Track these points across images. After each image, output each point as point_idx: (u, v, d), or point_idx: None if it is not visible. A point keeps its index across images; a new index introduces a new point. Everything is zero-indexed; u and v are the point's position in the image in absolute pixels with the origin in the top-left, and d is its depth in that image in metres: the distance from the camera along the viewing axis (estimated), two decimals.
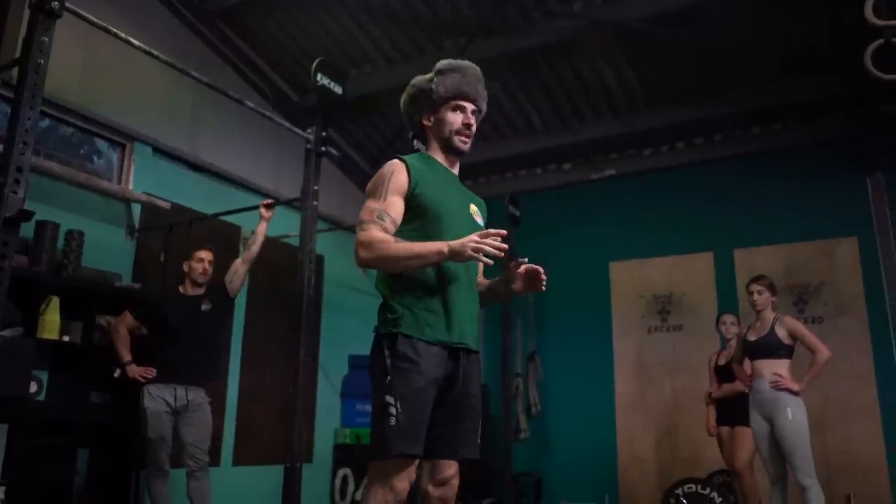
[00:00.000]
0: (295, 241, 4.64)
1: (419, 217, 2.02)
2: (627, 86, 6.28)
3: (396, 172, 2.02)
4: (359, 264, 1.95)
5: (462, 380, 1.99)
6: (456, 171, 2.22)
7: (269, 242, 4.96)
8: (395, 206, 1.99)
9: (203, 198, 5.44)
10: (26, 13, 2.88)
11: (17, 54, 2.85)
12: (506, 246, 1.82)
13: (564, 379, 6.83)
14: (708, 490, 3.99)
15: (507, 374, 6.37)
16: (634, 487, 6.24)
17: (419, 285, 1.96)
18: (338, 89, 4.30)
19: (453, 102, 2.12)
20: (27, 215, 2.58)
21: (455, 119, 2.12)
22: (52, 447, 3.96)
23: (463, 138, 2.13)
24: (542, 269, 2.04)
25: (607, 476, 6.36)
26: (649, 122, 6.59)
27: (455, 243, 1.84)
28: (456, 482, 2.05)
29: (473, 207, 2.19)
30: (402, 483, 1.84)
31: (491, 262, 1.84)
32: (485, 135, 7.18)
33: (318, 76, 4.19)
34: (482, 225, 2.20)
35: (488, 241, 1.82)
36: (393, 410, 1.83)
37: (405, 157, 2.08)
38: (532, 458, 6.64)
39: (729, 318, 4.98)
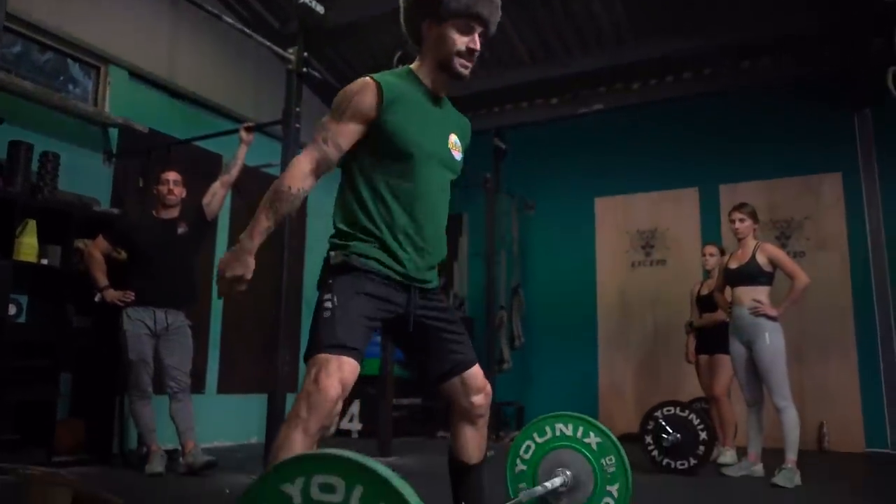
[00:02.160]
0: (276, 171, 4.56)
1: (387, 150, 1.84)
2: (616, 17, 6.13)
3: (363, 93, 1.80)
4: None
5: (421, 302, 1.90)
6: (443, 92, 1.97)
7: (250, 172, 4.88)
8: (349, 133, 1.81)
9: (182, 124, 5.30)
10: None
11: None
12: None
13: (548, 312, 6.89)
14: (687, 413, 4.07)
15: (491, 307, 6.40)
16: (614, 416, 6.36)
17: (380, 219, 1.84)
18: (319, 8, 4.18)
19: (464, 20, 1.84)
20: None
21: (460, 40, 1.85)
22: (34, 370, 3.94)
23: (465, 63, 1.87)
24: None
25: (588, 405, 6.48)
26: (638, 55, 6.45)
27: (238, 257, 1.75)
28: (489, 388, 2.03)
29: (453, 139, 1.98)
30: (332, 381, 1.64)
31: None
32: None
33: None
34: (459, 160, 2.01)
35: (224, 287, 1.76)
36: (329, 305, 1.74)
37: (380, 76, 1.84)
38: (515, 389, 6.75)
39: (710, 248, 5.01)
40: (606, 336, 6.66)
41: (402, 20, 1.99)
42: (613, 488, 2.27)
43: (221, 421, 5.35)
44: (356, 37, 6.42)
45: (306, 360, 1.73)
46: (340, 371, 1.67)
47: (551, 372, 6.77)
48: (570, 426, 2.36)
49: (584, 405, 6.45)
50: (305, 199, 5.72)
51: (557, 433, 2.38)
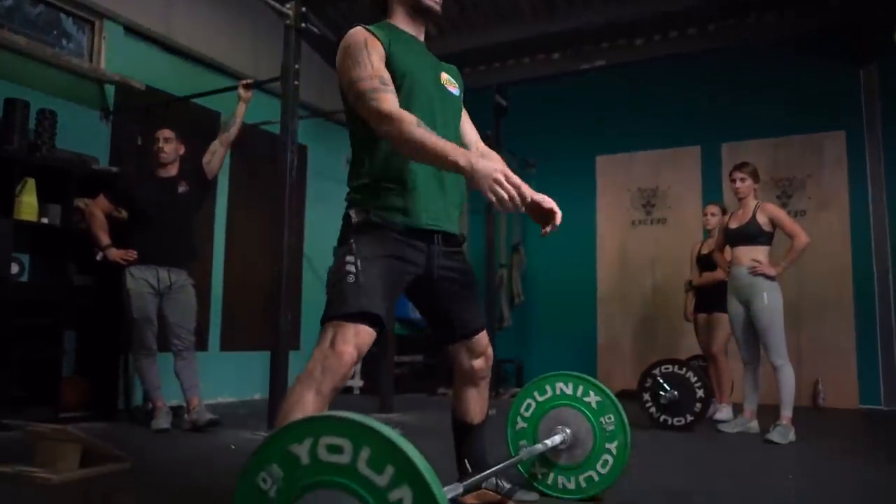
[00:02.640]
0: (275, 129, 4.52)
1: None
2: None
3: (368, 38, 1.78)
4: (379, 135, 1.73)
5: (442, 260, 1.90)
6: (422, 37, 2.00)
7: (249, 130, 4.84)
8: (385, 72, 1.77)
9: (179, 81, 5.24)
10: None
11: None
12: (518, 204, 1.56)
13: (548, 270, 6.92)
14: (684, 370, 4.12)
15: (491, 265, 6.43)
16: (612, 373, 6.44)
17: (395, 167, 1.81)
18: None
19: None
20: None
21: None
22: (38, 328, 3.97)
23: None
24: (558, 214, 1.86)
25: (587, 362, 6.56)
26: (642, 10, 6.33)
27: (480, 167, 1.54)
28: (491, 351, 2.08)
29: (445, 76, 2.01)
30: (348, 348, 1.65)
31: (498, 205, 1.56)
32: (470, 22, 6.90)
33: None
34: (457, 95, 2.03)
35: (511, 188, 1.54)
36: (352, 269, 1.71)
37: (366, 26, 1.84)
38: (514, 346, 6.82)
39: (711, 208, 5.00)
40: (606, 294, 6.70)
41: None
42: (612, 445, 2.31)
43: (224, 378, 5.42)
44: None
45: (324, 321, 1.74)
46: (357, 338, 1.69)
47: (551, 329, 6.84)
48: (570, 385, 2.39)
49: (582, 362, 6.55)
50: (305, 150, 5.67)
51: (558, 392, 2.41)
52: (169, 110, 4.77)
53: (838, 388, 5.67)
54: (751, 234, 4.04)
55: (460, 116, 2.08)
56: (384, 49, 1.80)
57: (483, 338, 2.05)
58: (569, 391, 2.40)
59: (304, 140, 5.73)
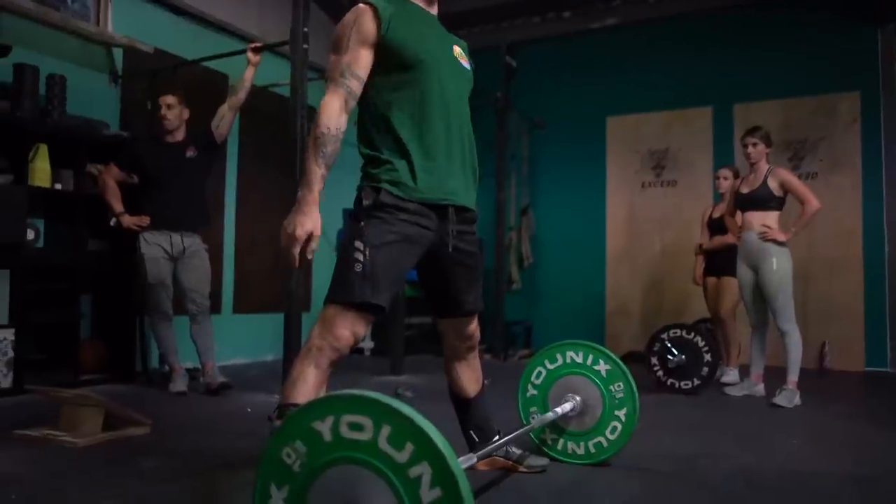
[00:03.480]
0: (284, 91, 4.49)
1: (398, 65, 1.84)
2: None
3: (361, 18, 1.81)
4: None
5: (452, 239, 1.91)
6: (434, 10, 2.01)
7: (257, 92, 4.81)
8: (361, 60, 1.81)
9: (187, 44, 5.19)
10: None
11: None
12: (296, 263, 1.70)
13: (556, 232, 6.93)
14: (692, 335, 4.16)
15: (500, 227, 6.44)
16: (620, 335, 6.51)
17: (406, 138, 1.84)
18: None
19: None
20: (4, 50, 2.45)
21: None
22: (55, 293, 4.04)
23: None
24: None
25: (595, 325, 6.63)
26: None
27: (299, 214, 1.71)
28: (478, 333, 2.15)
29: (458, 49, 2.02)
30: (346, 332, 1.73)
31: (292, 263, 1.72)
32: None
33: None
34: (469, 69, 2.03)
35: (291, 251, 1.70)
36: (360, 256, 1.75)
37: (373, 0, 1.83)
38: (523, 308, 6.88)
39: (724, 171, 4.96)
40: (614, 256, 6.72)
41: None
42: (621, 412, 2.37)
43: (238, 339, 5.50)
44: None
45: (327, 301, 1.78)
46: (356, 324, 1.76)
47: (559, 291, 6.88)
48: (581, 354, 2.44)
49: (591, 324, 6.62)
50: (314, 110, 5.65)
51: (568, 360, 2.45)
52: (177, 73, 4.75)
53: (845, 351, 5.71)
54: (762, 199, 4.03)
55: (470, 90, 2.07)
56: (377, 27, 1.81)
57: (473, 321, 2.10)
58: (579, 359, 2.44)
59: (312, 102, 5.69)
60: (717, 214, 4.94)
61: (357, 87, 1.83)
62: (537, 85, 6.99)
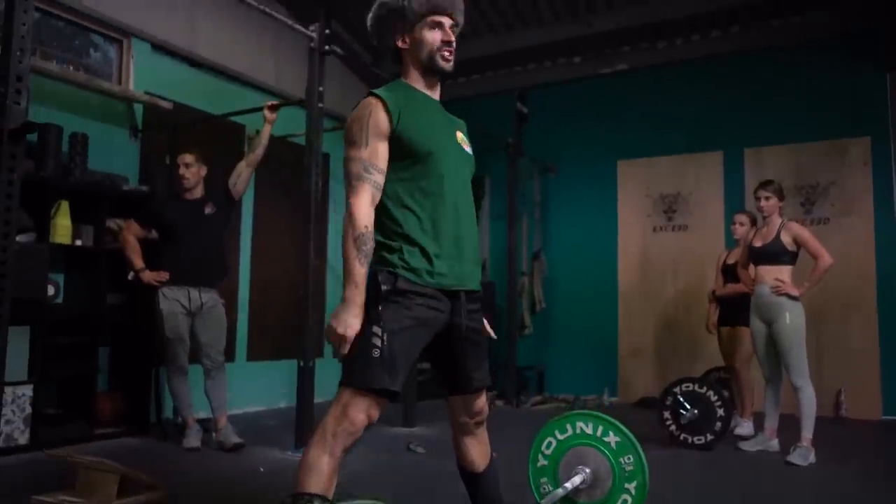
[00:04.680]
0: (300, 140, 4.58)
1: (408, 157, 1.89)
2: None
3: (374, 112, 1.86)
4: None
5: (464, 320, 1.96)
6: (437, 95, 2.06)
7: (275, 141, 4.89)
8: (380, 153, 1.86)
9: (205, 95, 5.33)
10: None
11: None
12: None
13: (569, 276, 6.95)
14: (704, 389, 4.15)
15: (512, 271, 6.47)
16: (634, 380, 6.48)
17: (418, 228, 1.88)
18: None
19: (429, 19, 1.93)
20: (31, 128, 2.54)
21: (433, 37, 1.93)
22: (73, 346, 4.11)
23: (445, 55, 1.94)
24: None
25: (608, 369, 6.61)
26: (664, 14, 6.30)
27: (340, 309, 1.77)
28: (486, 408, 2.16)
29: (460, 135, 2.07)
30: (361, 416, 1.77)
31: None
32: (492, 26, 6.91)
33: None
34: (471, 154, 2.09)
35: (342, 351, 1.76)
36: (378, 342, 1.77)
37: (380, 92, 1.90)
38: (535, 353, 6.87)
39: (740, 217, 4.92)
40: (627, 300, 6.72)
41: (376, 43, 2.08)
42: (631, 486, 2.36)
43: (252, 387, 5.54)
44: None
45: (343, 384, 1.81)
46: (371, 408, 1.79)
47: (572, 336, 6.87)
48: (591, 425, 2.44)
49: (604, 369, 6.60)
50: (328, 159, 5.74)
51: (578, 431, 2.45)
52: (195, 127, 4.87)
53: (861, 399, 5.65)
54: (775, 253, 4.04)
55: (472, 176, 2.12)
56: (392, 122, 1.86)
57: (481, 396, 2.11)
58: (588, 430, 2.44)
59: (326, 148, 5.80)
60: (731, 260, 4.90)
61: (381, 179, 1.88)
62: (548, 129, 7.07)
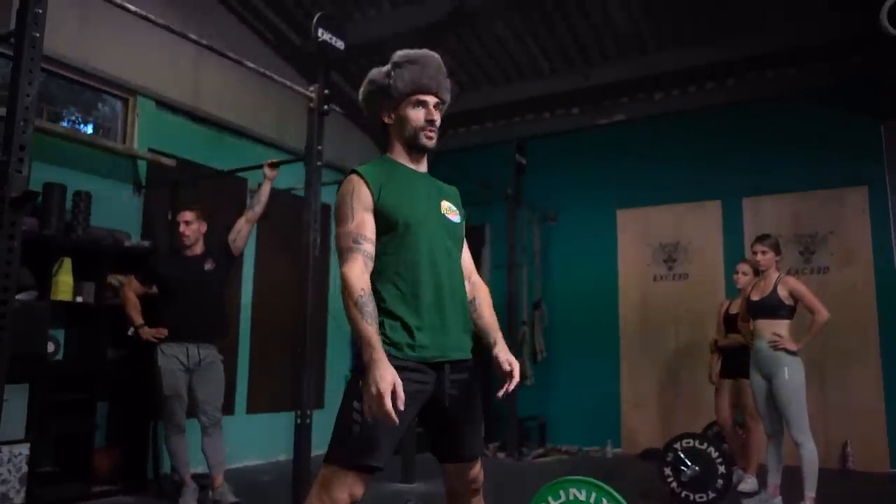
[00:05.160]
0: (301, 192, 4.63)
1: (389, 230, 1.93)
2: (638, 27, 6.11)
3: (357, 188, 1.92)
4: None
5: (448, 390, 1.94)
6: (423, 167, 2.10)
7: (276, 194, 4.97)
8: (367, 224, 1.90)
9: (207, 149, 5.44)
10: None
11: (12, 23, 2.80)
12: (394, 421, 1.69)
13: (570, 325, 6.93)
14: (705, 445, 4.11)
15: (513, 321, 6.46)
16: (637, 431, 6.41)
17: (399, 301, 1.90)
18: (339, 44, 4.21)
19: (413, 98, 1.99)
20: (33, 195, 2.60)
21: (417, 116, 1.99)
22: (72, 403, 4.11)
23: (427, 133, 2.00)
24: (514, 379, 2.04)
25: (610, 419, 6.54)
26: (660, 66, 6.44)
27: (372, 371, 1.71)
28: (481, 476, 2.12)
29: (446, 205, 2.08)
30: (343, 495, 1.76)
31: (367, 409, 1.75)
32: (491, 79, 7.05)
33: (320, 31, 4.08)
34: (458, 222, 2.10)
35: (376, 407, 1.69)
36: (358, 418, 1.78)
37: (361, 169, 1.96)
38: (537, 403, 6.81)
39: (743, 266, 4.85)
40: (629, 350, 6.69)
41: (366, 115, 2.14)
42: None
43: (250, 440, 5.51)
44: (377, 54, 6.46)
45: (325, 460, 1.82)
46: (353, 486, 1.79)
47: (574, 385, 6.82)
48: (584, 492, 2.42)
49: (606, 419, 6.54)
50: (328, 210, 5.74)
51: (571, 497, 2.43)
52: (197, 182, 4.95)
53: (868, 451, 5.57)
54: (772, 308, 4.04)
55: (462, 243, 2.14)
56: (373, 196, 1.91)
57: (475, 465, 2.08)
58: (582, 497, 2.42)
59: (326, 199, 5.87)
60: (734, 310, 4.84)
61: (371, 249, 1.90)
62: (548, 177, 7.13)
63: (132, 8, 3.14)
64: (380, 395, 1.70)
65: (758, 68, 6.38)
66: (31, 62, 2.65)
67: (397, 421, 1.71)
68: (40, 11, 2.66)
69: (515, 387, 2.07)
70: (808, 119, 6.18)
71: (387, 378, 1.72)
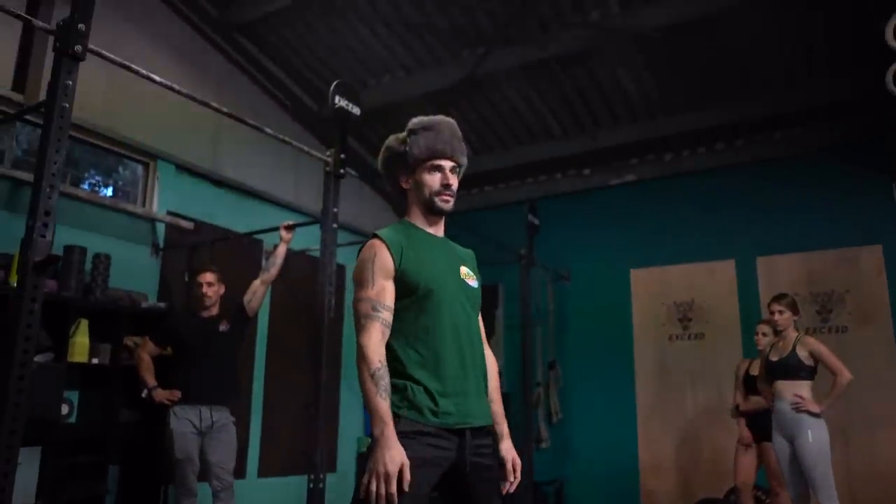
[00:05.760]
0: (317, 254, 4.68)
1: (409, 294, 1.94)
2: (647, 91, 6.23)
3: (379, 253, 1.93)
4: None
5: (471, 457, 1.92)
6: (440, 231, 2.12)
7: (292, 255, 5.03)
8: (387, 291, 1.91)
9: (225, 212, 5.53)
10: (49, 52, 2.95)
11: (41, 92, 2.91)
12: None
13: (585, 386, 6.83)
14: None
15: (527, 383, 6.38)
16: (656, 494, 6.24)
17: (419, 365, 1.90)
18: (355, 110, 4.32)
19: (430, 163, 2.03)
20: (55, 259, 2.65)
21: (433, 180, 2.03)
22: (84, 466, 4.08)
23: (444, 198, 2.03)
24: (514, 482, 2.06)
25: (629, 484, 6.38)
26: (670, 128, 6.54)
27: (378, 449, 1.72)
28: None
29: (464, 270, 2.09)
30: None
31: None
32: (503, 142, 7.18)
33: (336, 98, 4.20)
34: (475, 287, 2.11)
35: (376, 487, 1.70)
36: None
37: (382, 234, 1.98)
38: (554, 466, 6.67)
39: (763, 327, 4.77)
40: (646, 410, 6.57)
41: (385, 181, 2.18)
42: None
43: None
44: (391, 117, 6.61)
45: None
46: None
47: (591, 447, 6.68)
48: None
49: (625, 482, 6.38)
50: (343, 271, 5.75)
51: None
52: (215, 244, 5.02)
53: None
54: (792, 368, 3.99)
55: (479, 308, 2.15)
56: (395, 261, 1.93)
57: None
58: None
59: (341, 259, 5.92)
60: (754, 371, 4.74)
61: (390, 317, 1.91)
62: (561, 237, 7.16)
63: (158, 79, 3.26)
64: (387, 476, 1.70)
65: (765, 129, 6.46)
66: (59, 131, 2.74)
67: (390, 496, 1.69)
68: (70, 83, 2.76)
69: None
70: (819, 177, 6.20)
71: (396, 459, 1.72)
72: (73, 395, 4.32)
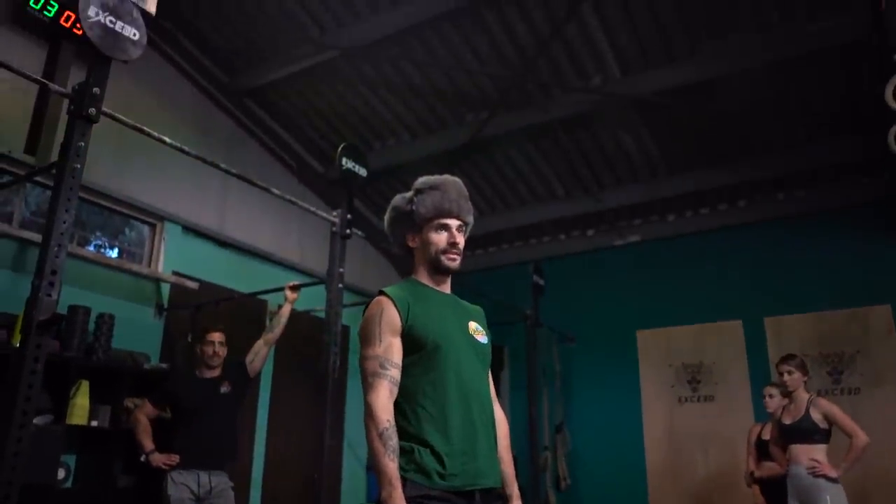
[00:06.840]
0: (321, 314, 4.66)
1: (417, 351, 1.91)
2: (649, 154, 6.32)
3: (386, 310, 1.91)
4: None
5: None
6: (447, 289, 2.11)
7: (295, 315, 5.00)
8: (394, 348, 1.89)
9: (230, 272, 5.53)
10: (62, 115, 3.00)
11: (52, 154, 2.94)
12: None
13: (594, 450, 6.68)
14: None
15: (534, 445, 6.24)
16: None
17: (427, 422, 1.86)
18: (362, 172, 4.38)
19: (436, 221, 2.03)
20: (59, 319, 2.63)
21: (440, 239, 2.02)
22: None
23: (451, 256, 2.02)
24: None
25: None
26: (672, 189, 6.60)
27: None
28: None
29: (473, 325, 2.07)
30: None
31: None
32: (507, 203, 7.24)
33: (344, 160, 4.26)
34: (485, 343, 2.08)
35: None
36: None
37: (389, 291, 1.97)
38: None
39: (770, 389, 4.71)
40: (656, 475, 6.40)
41: (391, 240, 2.18)
42: None
43: None
44: (394, 177, 6.70)
45: None
46: None
47: None
48: None
49: None
50: (347, 331, 5.68)
51: None
52: (219, 304, 5.00)
53: None
54: (807, 432, 3.88)
55: (489, 364, 2.11)
56: (402, 317, 1.91)
57: None
58: None
59: (345, 320, 5.89)
60: (766, 435, 4.64)
61: (397, 374, 1.88)
62: (566, 298, 7.13)
63: (169, 141, 3.31)
64: None
65: (768, 190, 6.51)
66: (70, 191, 2.75)
67: None
68: (82, 145, 2.80)
69: None
70: (825, 238, 6.20)
71: None
72: (71, 459, 4.22)
